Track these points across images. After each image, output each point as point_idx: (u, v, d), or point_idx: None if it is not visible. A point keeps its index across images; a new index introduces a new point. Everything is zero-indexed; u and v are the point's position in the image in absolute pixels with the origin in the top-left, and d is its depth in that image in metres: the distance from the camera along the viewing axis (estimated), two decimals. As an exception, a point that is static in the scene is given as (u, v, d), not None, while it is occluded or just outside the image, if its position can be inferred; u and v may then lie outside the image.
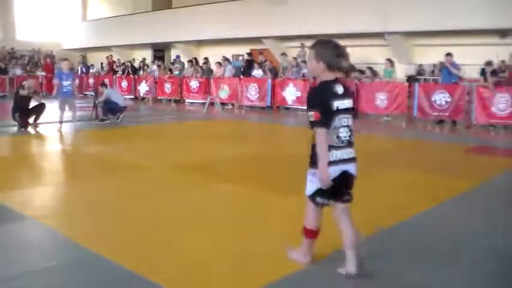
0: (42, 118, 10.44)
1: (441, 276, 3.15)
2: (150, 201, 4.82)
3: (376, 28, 15.81)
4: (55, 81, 10.14)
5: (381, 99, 12.38)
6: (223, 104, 16.03)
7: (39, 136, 9.72)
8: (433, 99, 11.56)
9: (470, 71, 14.07)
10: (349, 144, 2.99)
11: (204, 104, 15.78)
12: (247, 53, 17.95)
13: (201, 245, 3.65)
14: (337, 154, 2.93)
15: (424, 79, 15.86)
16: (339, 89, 2.96)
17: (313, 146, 2.96)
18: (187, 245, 3.65)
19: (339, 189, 2.99)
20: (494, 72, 11.87)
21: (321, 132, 2.87)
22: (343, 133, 2.95)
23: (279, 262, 3.34)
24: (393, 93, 12.25)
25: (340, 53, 2.99)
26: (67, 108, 9.99)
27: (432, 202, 4.87)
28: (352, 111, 3.04)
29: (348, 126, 2.97)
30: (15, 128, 9.99)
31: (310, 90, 3.38)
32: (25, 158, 7.34)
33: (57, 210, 4.65)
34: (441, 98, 11.46)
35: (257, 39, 19.24)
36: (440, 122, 11.82)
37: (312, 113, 2.88)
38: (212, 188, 5.39)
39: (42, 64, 24.33)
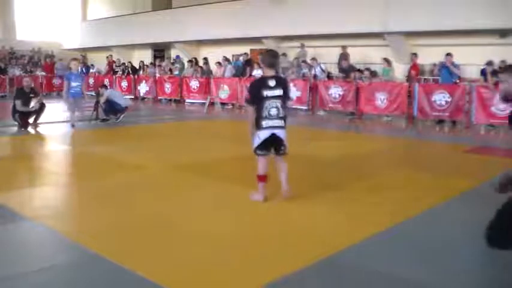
0: (42, 118, 10.44)
1: (441, 276, 3.15)
2: (150, 201, 4.82)
3: (376, 28, 15.79)
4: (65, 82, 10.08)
5: (381, 99, 12.37)
6: (223, 104, 16.03)
7: (39, 136, 9.72)
8: (433, 99, 11.54)
9: (471, 71, 14.06)
10: (279, 117, 4.58)
11: (204, 104, 15.78)
12: (245, 53, 17.92)
13: (201, 244, 3.66)
14: (269, 123, 4.56)
15: (424, 79, 15.85)
16: (271, 83, 4.56)
17: (256, 118, 4.57)
18: (187, 245, 3.65)
19: (273, 145, 4.62)
20: (494, 72, 11.86)
21: (248, 107, 4.67)
22: (273, 111, 4.54)
23: (278, 262, 3.34)
24: (393, 93, 12.24)
25: (274, 55, 4.80)
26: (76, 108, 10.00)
27: (432, 202, 4.87)
28: (283, 97, 4.62)
29: (276, 107, 4.56)
30: (15, 128, 9.99)
31: (251, 82, 5.09)
32: (25, 158, 7.33)
33: (57, 210, 4.65)
34: (441, 98, 11.44)
35: (257, 39, 19.21)
36: (440, 122, 11.81)
37: (246, 94, 4.81)
38: (212, 188, 5.39)
39: (42, 64, 24.31)
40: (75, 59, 10.70)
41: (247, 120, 4.69)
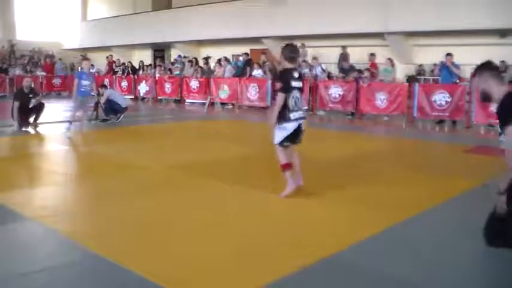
0: (42, 118, 10.44)
1: (441, 276, 3.15)
2: (150, 201, 4.82)
3: (376, 28, 15.80)
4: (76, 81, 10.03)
5: (381, 99, 12.37)
6: (223, 104, 16.03)
7: (39, 136, 9.72)
8: (433, 99, 11.54)
9: (470, 71, 14.05)
10: (300, 108, 4.84)
11: (204, 104, 15.78)
12: (245, 53, 17.93)
13: (201, 244, 3.65)
14: (295, 115, 4.77)
15: (424, 79, 15.85)
16: (296, 74, 4.83)
17: (283, 110, 4.71)
18: (187, 245, 3.65)
19: (295, 135, 4.84)
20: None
21: (280, 95, 4.73)
22: (298, 101, 4.78)
23: (278, 262, 3.34)
24: (393, 93, 12.23)
25: (293, 51, 4.95)
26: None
27: (432, 202, 4.87)
28: (301, 88, 4.92)
29: (298, 97, 4.80)
30: (15, 128, 9.97)
31: (279, 73, 5.23)
32: (25, 158, 7.33)
33: (57, 210, 4.64)
34: (441, 98, 11.43)
35: (257, 39, 19.22)
36: (440, 122, 11.81)
37: (278, 84, 4.90)
38: (212, 188, 5.39)
39: (42, 64, 24.31)
40: (86, 59, 10.78)
41: (275, 106, 4.79)
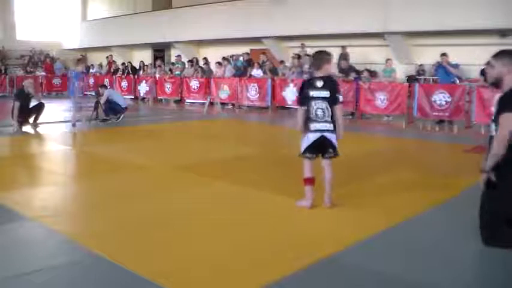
0: (42, 118, 10.44)
1: (441, 276, 3.15)
2: (150, 201, 4.82)
3: (376, 28, 15.78)
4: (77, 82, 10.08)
5: (381, 99, 12.36)
6: (223, 104, 16.02)
7: (39, 136, 9.72)
8: (433, 99, 11.53)
9: (469, 71, 14.07)
10: (326, 120, 4.49)
11: (204, 104, 15.77)
12: (245, 53, 17.93)
13: (201, 244, 3.66)
14: (316, 126, 4.50)
15: (424, 79, 15.84)
16: (319, 84, 4.51)
17: (305, 120, 4.53)
18: (187, 245, 3.65)
19: (321, 148, 4.53)
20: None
21: (299, 109, 4.70)
22: (320, 112, 4.48)
23: (278, 262, 3.34)
24: (393, 93, 12.22)
25: (318, 57, 4.68)
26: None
27: (432, 202, 4.87)
28: (329, 99, 4.48)
29: (322, 108, 4.48)
30: (15, 128, 9.97)
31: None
32: (25, 158, 7.33)
33: (57, 210, 4.64)
34: (441, 98, 11.43)
35: (257, 39, 19.22)
36: (440, 122, 11.81)
37: (297, 96, 4.84)
38: (212, 188, 5.39)
39: (43, 64, 24.30)
40: (82, 61, 10.81)
41: (297, 123, 4.68)
